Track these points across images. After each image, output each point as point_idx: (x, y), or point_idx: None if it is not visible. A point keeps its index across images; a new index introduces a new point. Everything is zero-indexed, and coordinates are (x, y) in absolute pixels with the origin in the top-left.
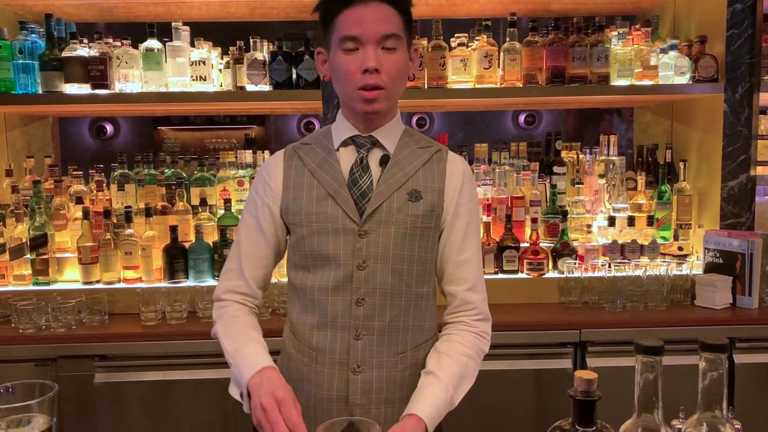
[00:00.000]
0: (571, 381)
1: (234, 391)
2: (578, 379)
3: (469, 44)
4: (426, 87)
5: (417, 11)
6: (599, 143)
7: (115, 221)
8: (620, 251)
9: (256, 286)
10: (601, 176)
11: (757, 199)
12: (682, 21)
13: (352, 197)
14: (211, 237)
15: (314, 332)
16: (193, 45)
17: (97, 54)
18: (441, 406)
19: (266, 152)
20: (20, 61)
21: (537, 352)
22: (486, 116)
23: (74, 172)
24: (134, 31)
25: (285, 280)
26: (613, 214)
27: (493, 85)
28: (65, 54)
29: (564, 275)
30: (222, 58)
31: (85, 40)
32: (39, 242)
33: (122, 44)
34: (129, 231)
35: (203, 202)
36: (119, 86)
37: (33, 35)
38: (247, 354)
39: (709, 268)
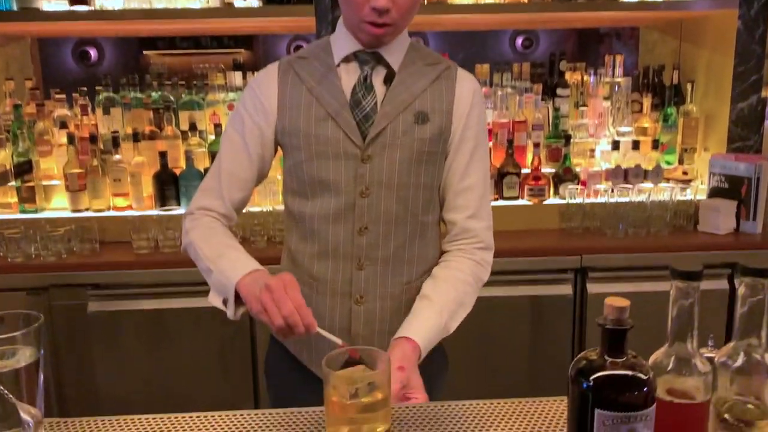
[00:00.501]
0: (571, 307)
1: (215, 299)
2: (609, 306)
3: None
4: (425, 2)
5: None
6: (604, 64)
7: (102, 147)
8: (623, 176)
9: (233, 209)
10: (605, 99)
11: (766, 122)
12: None
13: (355, 119)
14: (203, 163)
15: (314, 261)
16: None
17: None
18: (435, 330)
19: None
20: None
21: (537, 279)
22: (482, 38)
23: (57, 96)
24: None
25: (281, 208)
26: (617, 138)
27: (497, 1)
28: None
29: (565, 201)
30: None
31: None
32: (23, 169)
33: None
34: (117, 157)
35: (193, 126)
36: (99, 2)
37: None
38: (232, 258)
39: (714, 193)
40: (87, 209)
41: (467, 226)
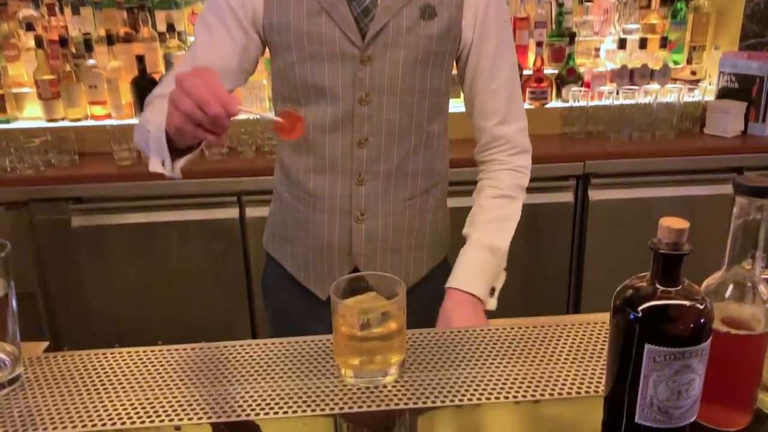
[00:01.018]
0: (571, 215)
1: (154, 164)
2: (665, 228)
3: None
4: None
5: None
6: None
7: (74, 51)
8: (629, 77)
9: None
10: None
11: None
12: None
13: (352, 13)
14: None
15: (310, 176)
16: None
17: None
18: (480, 265)
19: None
20: None
21: (537, 186)
22: None
23: None
24: None
25: (270, 115)
26: (623, 36)
27: None
28: None
29: (568, 104)
30: None
31: None
32: None
33: None
34: (91, 62)
35: (170, 27)
36: None
37: None
38: (162, 113)
39: (723, 94)
40: (63, 119)
41: (497, 133)
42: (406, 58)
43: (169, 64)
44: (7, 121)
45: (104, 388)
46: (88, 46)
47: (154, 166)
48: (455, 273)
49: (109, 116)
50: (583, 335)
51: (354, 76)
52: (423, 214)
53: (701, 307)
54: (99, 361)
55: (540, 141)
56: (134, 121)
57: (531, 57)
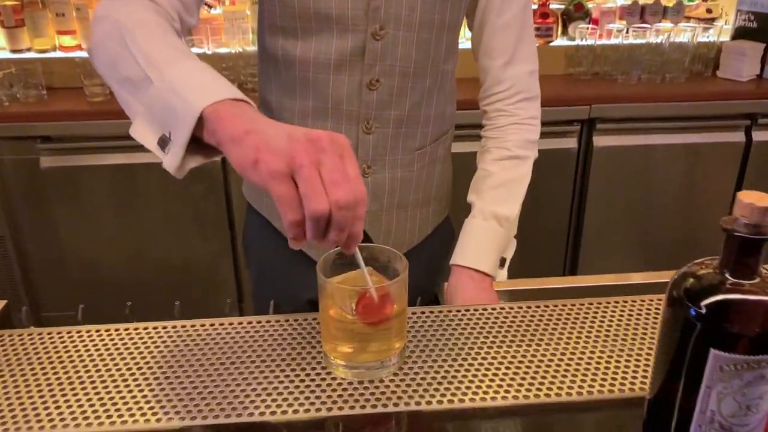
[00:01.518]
0: (573, 162)
1: (146, 134)
2: (746, 205)
3: None
4: None
5: None
6: None
7: None
8: (640, 14)
9: (183, 7)
10: None
11: None
12: None
13: None
14: None
15: (307, 122)
16: None
17: None
18: (487, 238)
19: None
20: None
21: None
22: None
23: None
24: None
25: (252, 49)
26: None
27: None
28: None
29: (575, 42)
30: None
31: None
32: None
33: None
34: None
35: None
36: None
37: None
38: (192, 69)
39: (739, 34)
40: (29, 49)
41: (501, 75)
42: None
43: None
44: None
45: (57, 378)
46: None
47: (144, 138)
48: (460, 247)
49: (79, 47)
50: (616, 317)
51: (368, 5)
52: (432, 165)
53: None
54: (44, 345)
55: (543, 82)
56: None
57: None
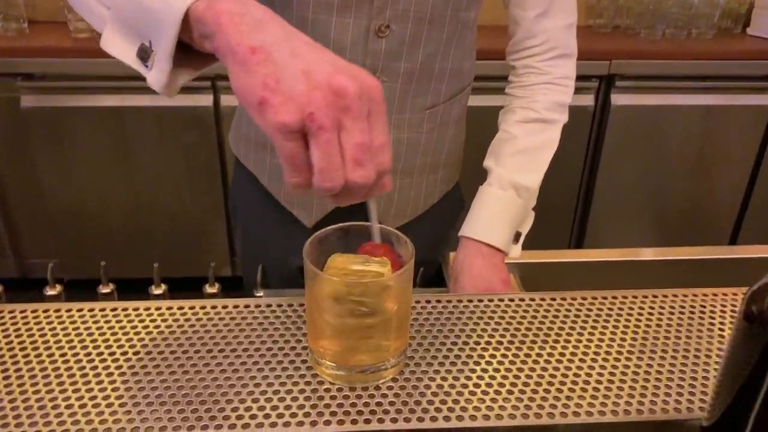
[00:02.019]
0: (588, 122)
1: (118, 46)
2: None
3: None
4: None
5: None
6: None
7: None
8: None
9: None
10: None
11: None
12: None
13: None
14: None
15: None
16: None
17: None
18: (502, 209)
19: None
20: None
21: None
22: None
23: None
24: None
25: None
26: None
27: None
28: None
29: None
30: None
31: None
32: None
33: None
34: None
35: None
36: None
37: None
38: None
39: None
40: None
41: (533, 28)
42: None
43: None
44: None
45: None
46: None
47: (122, 53)
48: (471, 218)
49: None
50: (655, 318)
51: None
52: (443, 127)
53: None
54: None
55: None
56: None
57: None
